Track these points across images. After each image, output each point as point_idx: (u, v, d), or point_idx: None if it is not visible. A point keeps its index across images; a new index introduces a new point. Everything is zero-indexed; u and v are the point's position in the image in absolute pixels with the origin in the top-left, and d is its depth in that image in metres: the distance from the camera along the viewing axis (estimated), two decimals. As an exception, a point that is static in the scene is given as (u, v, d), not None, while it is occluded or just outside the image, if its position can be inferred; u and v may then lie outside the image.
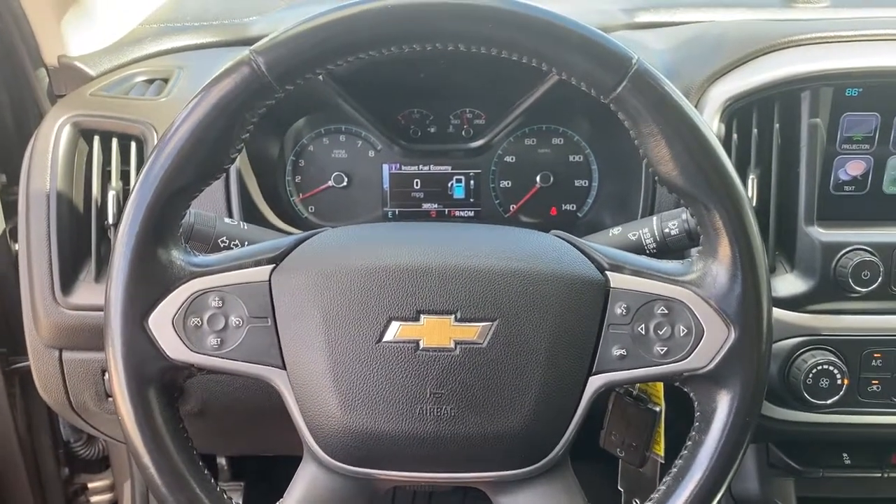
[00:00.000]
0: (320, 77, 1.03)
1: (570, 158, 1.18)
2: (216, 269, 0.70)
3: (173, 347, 0.69)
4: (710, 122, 0.96)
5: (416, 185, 1.19)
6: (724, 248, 0.69)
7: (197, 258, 0.72)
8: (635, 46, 1.11)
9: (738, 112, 0.97)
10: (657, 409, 0.87)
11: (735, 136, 0.97)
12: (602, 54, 0.65)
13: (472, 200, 1.19)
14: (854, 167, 0.99)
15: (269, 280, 0.70)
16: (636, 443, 0.88)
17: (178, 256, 0.70)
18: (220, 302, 0.70)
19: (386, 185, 1.18)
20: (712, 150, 0.66)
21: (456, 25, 0.64)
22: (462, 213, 1.20)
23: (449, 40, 0.65)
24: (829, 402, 0.94)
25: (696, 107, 0.97)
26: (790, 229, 0.98)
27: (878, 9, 1.23)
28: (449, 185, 1.19)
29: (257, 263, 0.71)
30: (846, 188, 0.99)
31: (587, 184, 1.18)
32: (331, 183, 1.17)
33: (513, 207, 1.19)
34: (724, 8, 1.27)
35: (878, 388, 0.97)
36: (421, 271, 0.70)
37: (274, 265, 0.71)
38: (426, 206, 1.19)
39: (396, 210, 1.19)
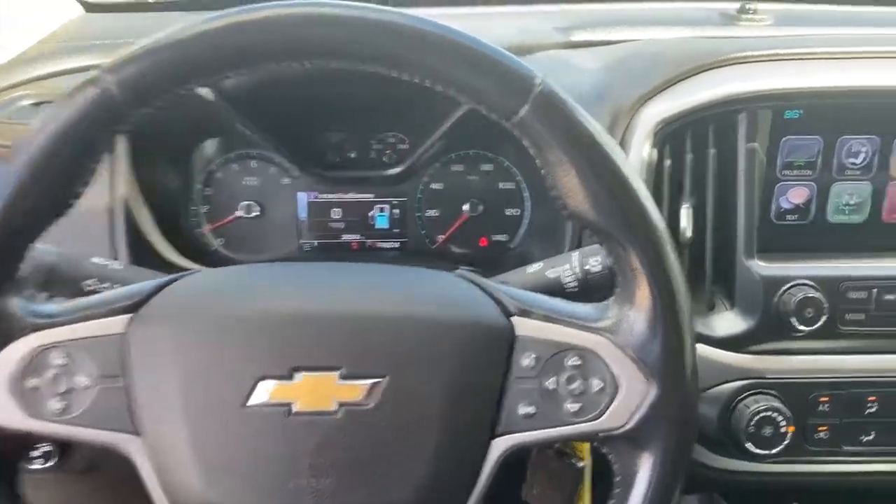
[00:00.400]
0: (209, 94, 0.94)
1: (501, 186, 1.10)
2: (62, 321, 0.61)
3: (6, 414, 0.59)
4: (640, 147, 0.89)
5: (336, 214, 1.10)
6: (643, 291, 0.61)
7: (42, 307, 0.62)
8: (565, 66, 1.04)
9: (672, 136, 0.90)
10: (581, 465, 0.78)
11: (668, 161, 0.90)
12: (501, 73, 0.57)
13: (396, 231, 1.11)
14: (796, 195, 0.92)
15: (124, 332, 0.61)
16: (558, 500, 0.80)
17: (18, 306, 0.60)
18: (66, 359, 0.60)
19: (302, 215, 1.09)
20: (627, 181, 0.59)
21: (333, 39, 0.56)
22: (386, 245, 1.11)
23: (327, 56, 0.57)
24: (773, 451, 0.87)
25: (626, 130, 0.90)
26: (729, 263, 0.90)
27: (823, 27, 1.17)
28: (371, 214, 1.10)
29: (111, 313, 0.62)
30: (788, 217, 0.92)
31: (519, 213, 1.10)
32: (240, 213, 1.08)
33: (440, 238, 1.11)
34: (665, 26, 1.20)
35: (825, 434, 0.90)
36: (298, 320, 0.61)
37: (130, 315, 0.62)
38: (346, 237, 1.11)
39: (315, 242, 1.10)
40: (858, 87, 0.88)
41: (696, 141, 0.90)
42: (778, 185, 0.91)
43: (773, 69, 0.89)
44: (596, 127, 0.59)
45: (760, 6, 1.21)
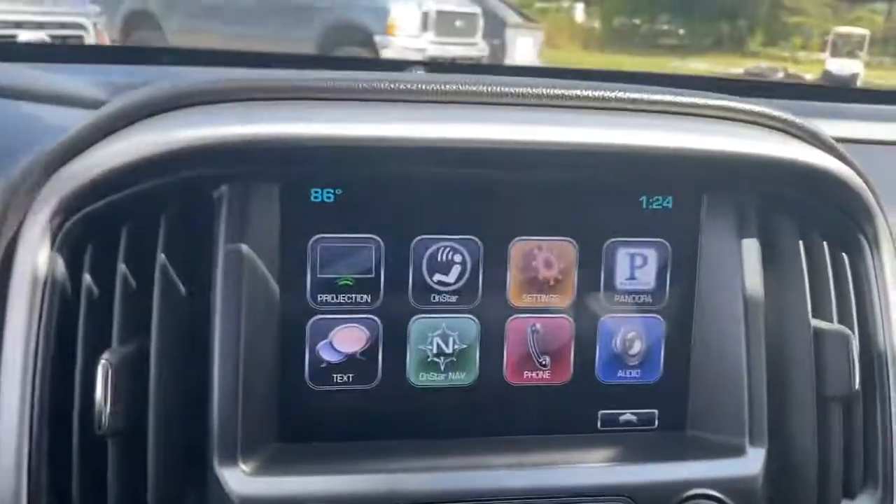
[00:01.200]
0: None
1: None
2: None
3: None
4: (34, 252, 0.47)
5: None
6: None
7: None
8: (32, 121, 0.63)
9: (93, 230, 0.48)
10: None
11: (87, 277, 0.48)
12: None
13: None
14: (346, 339, 0.51)
15: None
16: None
17: None
18: None
19: None
20: None
21: None
22: None
23: None
24: None
25: (24, 219, 0.48)
26: (203, 471, 0.48)
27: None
28: None
29: None
30: (337, 379, 0.51)
31: None
32: None
33: None
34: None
35: None
36: None
37: None
38: None
39: None
40: (425, 140, 0.49)
41: (135, 241, 0.48)
42: (312, 319, 0.50)
43: (277, 109, 0.49)
44: None
45: (446, 77, 0.90)
